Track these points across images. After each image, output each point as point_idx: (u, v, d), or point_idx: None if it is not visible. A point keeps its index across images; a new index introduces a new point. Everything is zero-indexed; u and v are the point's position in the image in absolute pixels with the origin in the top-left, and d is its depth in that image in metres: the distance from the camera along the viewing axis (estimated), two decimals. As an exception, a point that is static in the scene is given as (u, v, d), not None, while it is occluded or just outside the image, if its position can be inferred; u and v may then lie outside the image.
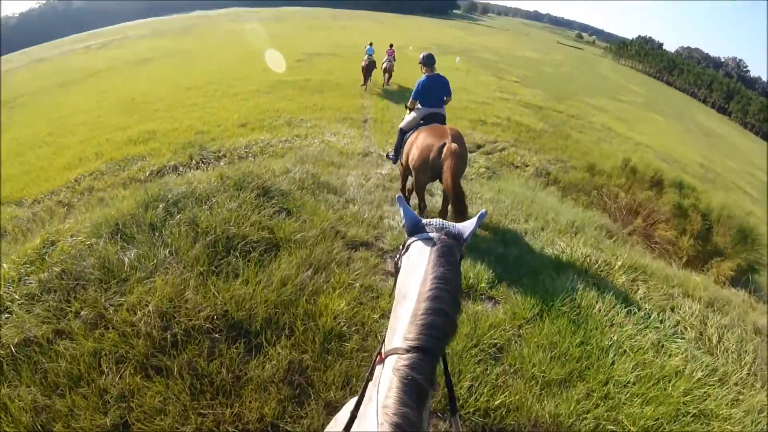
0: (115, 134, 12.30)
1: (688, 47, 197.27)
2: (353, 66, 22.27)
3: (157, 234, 4.09)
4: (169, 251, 3.88)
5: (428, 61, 5.61)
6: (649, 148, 20.53)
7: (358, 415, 1.20)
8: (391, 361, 1.12)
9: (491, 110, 16.99)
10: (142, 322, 3.10)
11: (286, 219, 4.71)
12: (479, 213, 1.53)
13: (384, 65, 18.74)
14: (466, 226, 1.45)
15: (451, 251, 1.33)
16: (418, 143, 5.01)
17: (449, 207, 4.78)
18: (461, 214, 4.41)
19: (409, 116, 5.82)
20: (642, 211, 9.54)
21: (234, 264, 3.87)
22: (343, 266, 4.21)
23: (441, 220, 1.45)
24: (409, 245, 1.42)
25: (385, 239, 5.05)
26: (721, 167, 25.42)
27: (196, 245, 3.95)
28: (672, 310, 4.35)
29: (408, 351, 1.10)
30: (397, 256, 1.51)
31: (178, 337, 3.09)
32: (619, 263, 4.94)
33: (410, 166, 5.23)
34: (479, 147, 12.06)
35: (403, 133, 5.72)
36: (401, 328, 1.19)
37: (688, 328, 4.10)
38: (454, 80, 20.46)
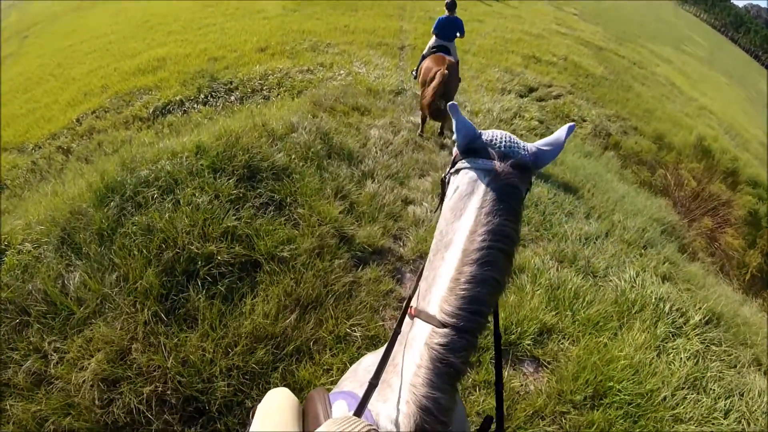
0: (124, 62, 11.25)
1: (757, 5, 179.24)
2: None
3: (107, 245, 2.98)
4: (118, 276, 2.80)
5: (450, 6, 6.45)
6: (713, 114, 18.43)
7: (381, 380, 1.00)
8: (424, 330, 0.95)
9: (547, 45, 14.94)
10: (81, 391, 2.25)
11: (273, 219, 3.43)
12: (567, 126, 1.10)
13: None
14: (546, 146, 1.07)
15: (514, 193, 1.00)
16: (423, 66, 6.16)
17: (429, 107, 5.72)
18: (438, 113, 5.68)
19: (428, 44, 6.65)
20: (711, 207, 8.00)
21: (194, 302, 2.76)
22: (343, 299, 2.99)
23: (508, 135, 1.07)
24: (459, 170, 1.08)
25: (406, 240, 3.78)
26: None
27: (149, 269, 2.82)
28: (741, 395, 3.09)
29: (444, 326, 0.91)
30: (445, 174, 1.18)
31: (121, 418, 2.18)
32: (697, 318, 3.60)
33: (421, 83, 6.15)
34: (531, 90, 10.42)
35: (423, 57, 6.50)
36: (438, 290, 0.96)
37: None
38: (508, 6, 18.29)
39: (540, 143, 1.08)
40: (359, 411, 0.96)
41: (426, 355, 0.91)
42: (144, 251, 2.97)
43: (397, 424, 0.91)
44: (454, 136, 1.13)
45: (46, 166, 7.32)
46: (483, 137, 1.08)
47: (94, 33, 16.53)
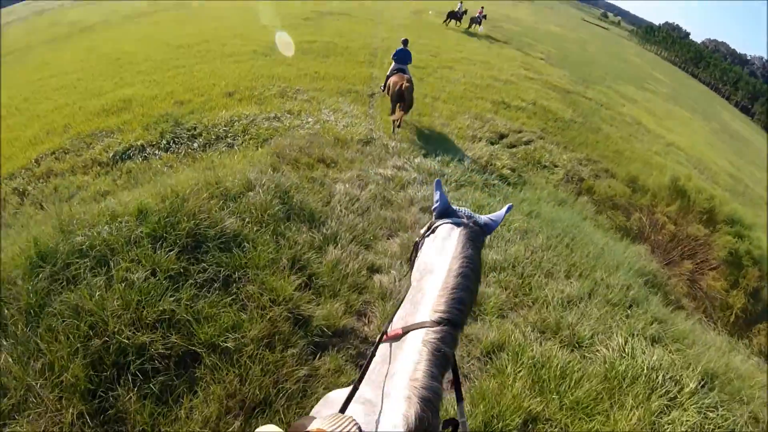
0: (90, 102, 10.93)
1: (715, 40, 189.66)
2: (365, 29, 20.24)
3: (33, 325, 2.60)
4: (43, 364, 2.44)
5: (404, 42, 9.52)
6: (681, 150, 18.90)
7: (385, 392, 1.10)
8: (418, 335, 1.13)
9: (516, 91, 15.13)
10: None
11: (217, 300, 3.06)
12: (506, 206, 1.56)
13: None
14: (492, 219, 1.49)
15: (477, 237, 1.39)
16: (390, 81, 8.92)
17: (398, 109, 8.59)
18: (407, 111, 8.72)
19: (390, 67, 9.54)
20: (690, 250, 7.89)
21: (124, 401, 2.38)
22: (296, 399, 2.61)
23: (469, 210, 1.50)
24: (436, 227, 1.45)
25: (372, 317, 3.44)
26: (749, 177, 23.56)
27: (76, 360, 2.43)
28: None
29: (439, 323, 1.13)
30: (419, 238, 1.52)
31: None
32: (692, 385, 3.33)
33: (387, 93, 8.98)
34: (502, 137, 10.40)
35: (388, 76, 9.35)
36: (427, 301, 1.20)
37: None
38: (476, 52, 18.62)
39: (487, 216, 1.48)
40: (343, 409, 1.08)
41: (425, 351, 1.07)
42: (71, 337, 2.57)
43: (402, 419, 0.99)
44: (434, 206, 1.52)
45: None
46: (453, 209, 1.49)
47: (65, 68, 16.15)
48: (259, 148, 7.07)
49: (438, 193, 1.52)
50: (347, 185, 5.44)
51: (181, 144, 7.97)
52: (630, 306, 4.47)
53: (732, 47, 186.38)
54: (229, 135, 8.16)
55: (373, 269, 3.99)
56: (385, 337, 1.25)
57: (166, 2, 31.48)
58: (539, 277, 4.40)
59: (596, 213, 8.21)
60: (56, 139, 8.84)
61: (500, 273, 4.32)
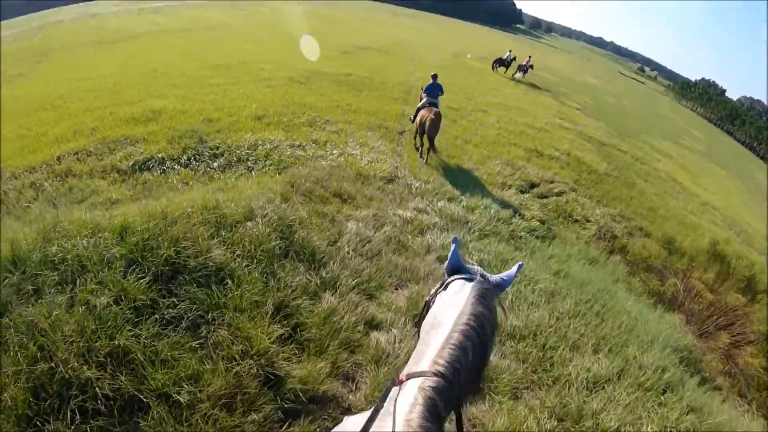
0: (121, 108, 10.99)
1: (750, 98, 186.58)
2: (403, 66, 20.32)
3: None
4: None
5: (434, 77, 10.21)
6: (716, 210, 18.04)
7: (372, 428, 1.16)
8: (416, 383, 1.15)
9: (549, 140, 14.76)
10: None
11: (181, 342, 2.69)
12: (516, 265, 1.59)
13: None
14: (504, 278, 1.53)
15: (489, 294, 1.37)
16: (420, 114, 9.35)
17: (424, 144, 9.35)
18: (432, 145, 9.18)
19: (421, 102, 9.87)
20: (727, 321, 7.20)
21: None
22: None
23: (480, 268, 1.53)
24: (448, 283, 1.47)
25: (360, 382, 2.99)
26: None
27: (17, 385, 2.20)
28: None
29: (435, 375, 1.15)
30: (431, 296, 1.52)
31: None
32: None
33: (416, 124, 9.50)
34: (533, 186, 9.95)
35: (418, 109, 9.63)
36: (431, 353, 1.22)
37: None
38: (512, 97, 18.46)
39: (499, 276, 1.53)
40: None
41: (420, 396, 1.11)
42: (19, 355, 2.25)
43: None
44: (447, 263, 1.55)
45: (14, 201, 6.85)
46: (466, 267, 1.54)
47: (103, 71, 16.49)
48: (277, 176, 6.84)
49: (453, 250, 1.54)
50: (360, 224, 5.09)
51: (202, 162, 7.86)
52: (664, 391, 3.91)
53: (767, 105, 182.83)
54: (251, 158, 7.98)
55: (373, 325, 3.55)
56: (394, 382, 1.26)
57: (210, 20, 32.49)
58: (563, 350, 3.89)
59: (629, 274, 7.62)
60: (81, 140, 8.88)
61: (519, 342, 3.82)
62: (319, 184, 6.00)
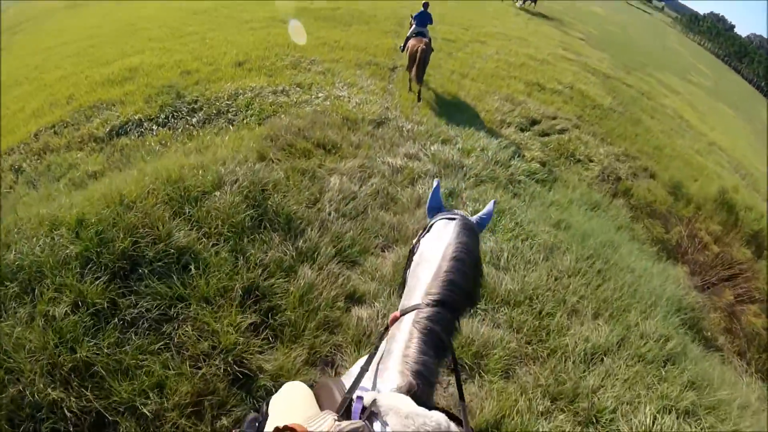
0: (97, 71, 10.23)
1: (760, 36, 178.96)
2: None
3: None
4: None
5: (425, 5, 9.52)
6: (723, 151, 17.46)
7: (380, 368, 1.16)
8: (410, 317, 1.17)
9: (552, 72, 13.92)
10: None
11: (145, 345, 2.37)
12: (491, 201, 1.62)
13: None
14: (483, 216, 1.54)
15: (473, 228, 1.41)
16: (409, 43, 8.98)
17: (413, 73, 8.81)
18: (419, 79, 8.82)
19: (410, 30, 9.64)
20: (731, 275, 6.85)
21: None
22: None
23: (461, 210, 1.52)
24: (431, 225, 1.47)
25: (340, 368, 2.66)
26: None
27: None
28: None
29: (429, 305, 1.16)
30: (415, 240, 1.52)
31: None
32: None
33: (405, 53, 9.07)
34: (534, 123, 9.38)
35: (408, 38, 9.37)
36: (422, 286, 1.23)
37: None
38: (513, 27, 17.44)
39: (479, 215, 1.54)
40: (351, 390, 1.07)
41: (415, 331, 1.13)
42: None
43: (395, 392, 1.03)
44: (428, 207, 1.57)
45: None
46: (446, 209, 1.53)
47: (80, 34, 15.57)
48: (258, 127, 6.33)
49: (433, 192, 1.56)
50: (345, 178, 4.62)
51: (180, 119, 7.33)
52: (665, 363, 3.59)
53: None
54: (231, 110, 7.42)
55: (354, 298, 3.19)
56: (390, 322, 1.26)
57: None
58: (561, 316, 3.54)
59: (632, 220, 7.24)
60: (58, 112, 8.29)
61: (513, 309, 3.47)
62: (301, 134, 5.48)
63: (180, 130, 6.98)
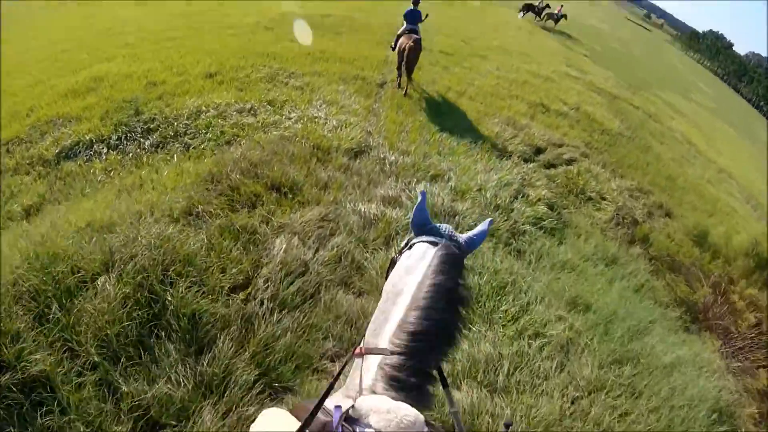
0: (63, 79, 9.30)
1: (758, 54, 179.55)
2: (393, 3, 18.02)
3: None
4: None
5: (414, 2, 9.43)
6: (732, 179, 16.42)
7: (344, 394, 1.13)
8: (376, 359, 1.10)
9: (556, 91, 12.91)
10: None
11: None
12: (487, 221, 1.50)
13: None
14: (474, 236, 1.43)
15: (455, 260, 1.29)
16: (400, 41, 9.06)
17: (403, 69, 8.92)
18: (408, 75, 9.01)
19: (401, 29, 9.59)
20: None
21: None
22: None
23: (450, 227, 1.41)
24: (412, 244, 1.36)
25: None
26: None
27: None
28: None
29: (393, 353, 1.09)
30: (397, 254, 1.42)
31: None
32: None
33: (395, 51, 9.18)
34: (539, 152, 8.35)
35: (398, 36, 9.42)
36: (389, 329, 1.15)
37: None
38: (515, 42, 16.39)
39: (469, 234, 1.42)
40: (316, 408, 1.01)
41: (380, 373, 1.06)
42: None
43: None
44: (410, 218, 1.42)
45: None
46: (432, 225, 1.39)
47: (56, 36, 14.50)
48: (212, 155, 5.25)
49: (418, 204, 1.41)
50: (296, 240, 3.47)
51: (133, 141, 6.35)
52: None
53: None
54: (189, 131, 6.37)
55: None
56: (354, 352, 1.18)
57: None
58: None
59: (652, 275, 6.15)
60: (16, 126, 7.38)
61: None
62: (253, 171, 4.35)
63: (130, 155, 6.03)
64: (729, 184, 15.55)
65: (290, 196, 4.21)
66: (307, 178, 4.64)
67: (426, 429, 0.94)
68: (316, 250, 3.46)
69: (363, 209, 4.36)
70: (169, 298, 2.49)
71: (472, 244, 1.39)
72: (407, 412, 0.93)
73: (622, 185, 8.42)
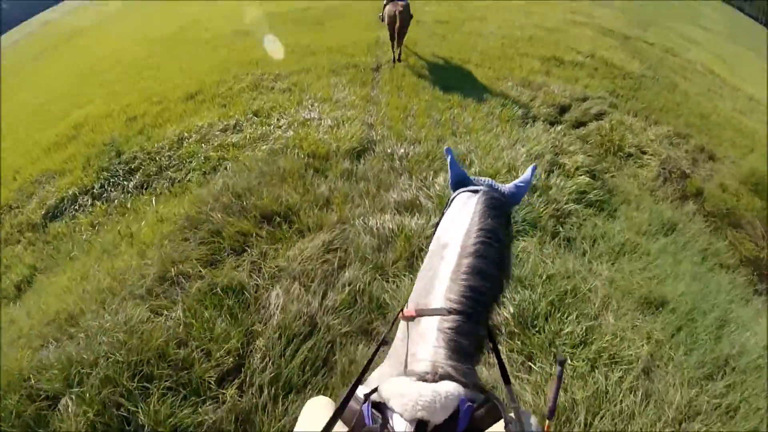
0: (45, 133, 8.99)
1: None
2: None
3: None
4: None
5: None
6: (761, 105, 15.12)
7: (409, 372, 0.98)
8: (433, 322, 0.99)
9: (567, 41, 11.85)
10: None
11: None
12: (530, 167, 1.37)
13: None
14: (519, 185, 1.31)
15: (500, 204, 1.20)
16: (386, 10, 8.51)
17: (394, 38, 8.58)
18: (398, 43, 8.72)
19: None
20: None
21: None
22: None
23: (491, 179, 1.32)
24: (453, 199, 1.29)
25: None
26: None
27: None
28: None
29: (450, 313, 0.99)
30: (440, 217, 1.33)
31: None
32: None
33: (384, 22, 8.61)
34: (563, 110, 7.50)
35: (385, 5, 8.64)
36: (440, 285, 1.04)
37: None
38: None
39: (514, 182, 1.30)
40: (344, 402, 0.94)
41: (441, 338, 0.96)
42: None
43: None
44: (449, 180, 1.34)
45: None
46: (471, 178, 1.31)
47: (39, 89, 14.36)
48: (191, 193, 4.60)
49: (450, 163, 1.34)
50: (296, 286, 2.77)
51: (117, 185, 5.80)
52: None
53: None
54: (173, 164, 5.76)
55: None
56: (400, 315, 1.10)
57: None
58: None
59: (712, 234, 5.30)
60: (4, 192, 6.93)
61: None
62: (239, 204, 3.65)
63: (115, 202, 5.49)
64: (760, 112, 14.34)
65: (285, 226, 3.50)
66: (303, 198, 3.93)
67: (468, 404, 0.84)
68: (323, 296, 2.76)
69: (375, 224, 3.62)
70: (142, 417, 1.85)
71: (517, 192, 1.29)
72: (424, 390, 0.83)
73: (659, 133, 7.52)
